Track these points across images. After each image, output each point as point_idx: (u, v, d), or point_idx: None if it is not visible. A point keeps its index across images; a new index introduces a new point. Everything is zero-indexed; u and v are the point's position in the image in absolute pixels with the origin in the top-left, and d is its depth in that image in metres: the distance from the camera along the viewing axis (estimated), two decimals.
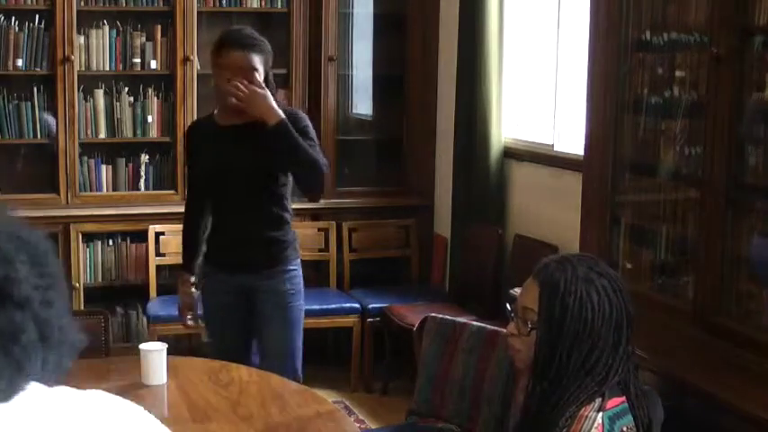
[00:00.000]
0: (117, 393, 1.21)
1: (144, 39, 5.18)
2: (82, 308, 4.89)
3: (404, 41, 5.57)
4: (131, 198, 5.23)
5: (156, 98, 5.24)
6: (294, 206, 3.66)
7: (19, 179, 5.17)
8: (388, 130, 5.60)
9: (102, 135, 5.19)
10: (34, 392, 1.13)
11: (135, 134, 5.24)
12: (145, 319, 5.03)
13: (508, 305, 2.10)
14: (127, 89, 5.21)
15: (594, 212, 3.52)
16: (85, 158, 5.17)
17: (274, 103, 3.33)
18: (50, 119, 5.04)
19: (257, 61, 3.35)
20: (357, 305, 5.01)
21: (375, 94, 5.73)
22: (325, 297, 5.07)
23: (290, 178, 3.47)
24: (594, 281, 1.97)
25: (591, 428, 1.90)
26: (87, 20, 5.11)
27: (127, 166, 5.27)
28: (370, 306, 5.01)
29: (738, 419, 2.51)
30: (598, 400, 1.94)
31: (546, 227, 4.49)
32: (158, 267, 5.11)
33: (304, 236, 4.74)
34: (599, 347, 1.95)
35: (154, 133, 5.25)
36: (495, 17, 4.78)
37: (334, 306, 5.02)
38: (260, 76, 3.35)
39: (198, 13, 5.16)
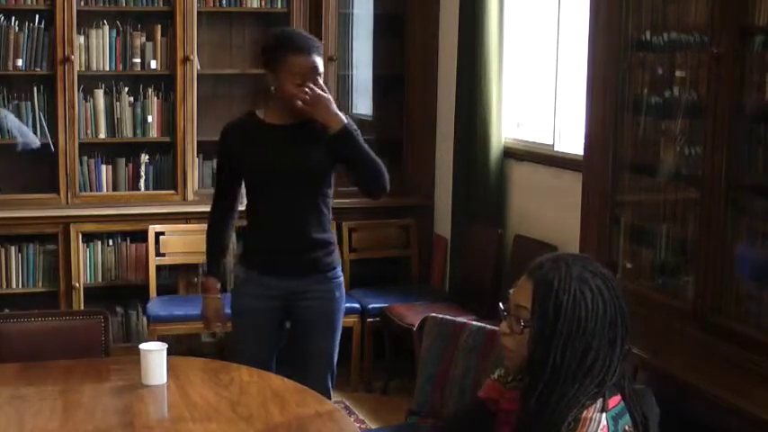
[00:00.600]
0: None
1: (144, 39, 5.18)
2: (82, 308, 4.90)
3: (404, 41, 5.57)
4: (131, 198, 5.23)
5: (156, 98, 5.24)
6: None
7: (19, 179, 5.17)
8: (388, 130, 5.60)
9: (102, 135, 5.19)
10: None
11: (135, 134, 5.24)
12: (145, 319, 5.03)
13: (501, 304, 2.10)
14: (127, 89, 5.21)
15: (594, 212, 3.52)
16: (85, 158, 5.17)
17: (336, 108, 3.31)
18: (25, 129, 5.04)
19: (320, 64, 3.32)
20: (357, 305, 5.01)
21: (375, 94, 5.73)
22: None
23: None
24: (588, 280, 1.97)
25: (597, 430, 1.90)
26: (87, 20, 5.11)
27: (127, 166, 5.28)
28: (370, 306, 5.02)
29: (738, 419, 2.50)
30: (600, 401, 1.94)
31: (546, 227, 4.49)
32: (158, 267, 5.10)
33: None
34: (594, 348, 1.94)
35: (154, 133, 5.25)
36: (495, 17, 4.78)
37: None
38: (321, 79, 3.33)
39: (198, 13, 5.17)
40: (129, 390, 2.81)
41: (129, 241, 5.16)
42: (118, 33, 5.16)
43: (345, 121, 3.31)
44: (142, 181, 5.28)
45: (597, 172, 3.49)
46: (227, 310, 3.55)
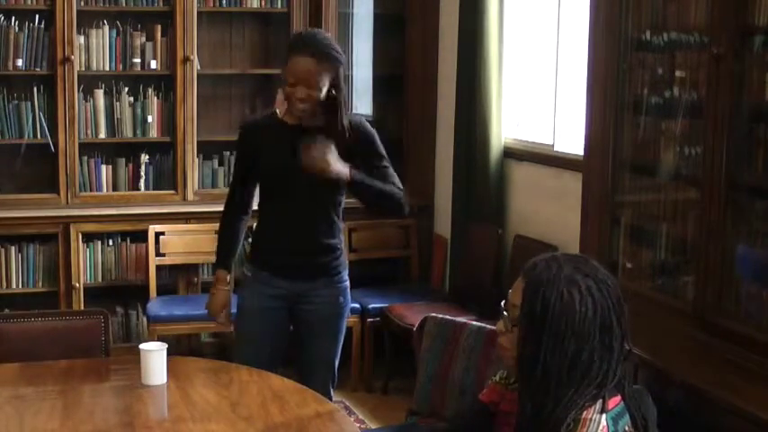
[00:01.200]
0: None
1: (144, 39, 5.18)
2: (82, 308, 4.90)
3: (404, 41, 5.57)
4: (131, 198, 5.23)
5: (156, 98, 5.24)
6: None
7: (19, 179, 5.18)
8: (388, 130, 5.59)
9: (102, 135, 5.19)
10: None
11: (135, 134, 5.24)
12: (145, 319, 5.03)
13: (502, 303, 2.11)
14: (127, 89, 5.21)
15: (594, 212, 3.52)
16: (85, 158, 5.17)
17: (336, 162, 3.12)
18: None
19: (323, 71, 3.13)
20: (357, 305, 5.00)
21: (375, 94, 5.73)
22: None
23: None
24: (578, 281, 1.96)
25: (597, 431, 1.90)
26: (87, 20, 5.11)
27: (127, 165, 5.28)
28: (370, 306, 5.02)
29: (738, 419, 2.51)
30: (599, 402, 1.94)
31: (546, 227, 4.49)
32: (158, 267, 5.10)
33: None
34: (587, 350, 1.93)
35: (154, 133, 5.25)
36: (495, 17, 4.78)
37: None
38: (324, 89, 3.15)
39: (198, 13, 5.16)
40: (128, 390, 2.81)
41: (129, 241, 5.16)
42: (118, 33, 5.15)
43: (348, 175, 3.18)
44: (142, 181, 5.28)
45: (597, 172, 3.49)
46: (233, 310, 3.52)
